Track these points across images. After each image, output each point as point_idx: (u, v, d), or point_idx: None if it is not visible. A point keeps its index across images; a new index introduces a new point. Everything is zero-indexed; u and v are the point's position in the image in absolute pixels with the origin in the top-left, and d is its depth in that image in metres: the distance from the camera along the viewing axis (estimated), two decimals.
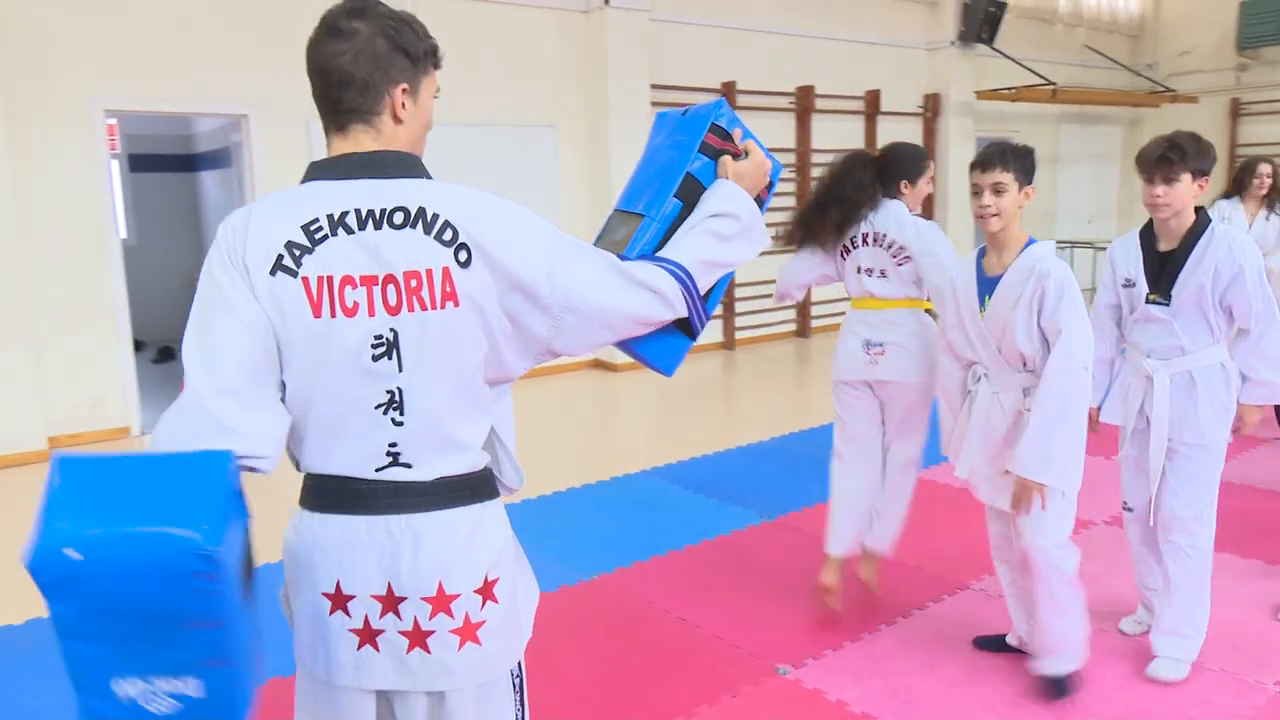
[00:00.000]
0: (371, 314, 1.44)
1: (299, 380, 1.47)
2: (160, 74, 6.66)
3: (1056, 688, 3.01)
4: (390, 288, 1.43)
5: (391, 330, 1.44)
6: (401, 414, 1.47)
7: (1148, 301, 3.13)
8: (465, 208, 1.47)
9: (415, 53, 1.52)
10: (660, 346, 1.74)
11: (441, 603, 1.50)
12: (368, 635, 1.50)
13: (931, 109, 11.39)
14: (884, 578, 3.83)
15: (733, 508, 4.97)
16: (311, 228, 1.44)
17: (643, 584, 4.03)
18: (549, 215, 6.96)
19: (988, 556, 3.30)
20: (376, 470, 1.49)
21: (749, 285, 10.00)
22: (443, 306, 1.44)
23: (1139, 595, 3.46)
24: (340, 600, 1.50)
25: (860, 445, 3.63)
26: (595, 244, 1.76)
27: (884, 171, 3.55)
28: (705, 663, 3.36)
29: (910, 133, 11.38)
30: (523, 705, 1.67)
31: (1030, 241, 2.89)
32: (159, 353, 9.20)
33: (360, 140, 1.51)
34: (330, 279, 1.43)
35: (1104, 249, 3.51)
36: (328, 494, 1.50)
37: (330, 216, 1.44)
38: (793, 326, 10.61)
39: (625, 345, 1.71)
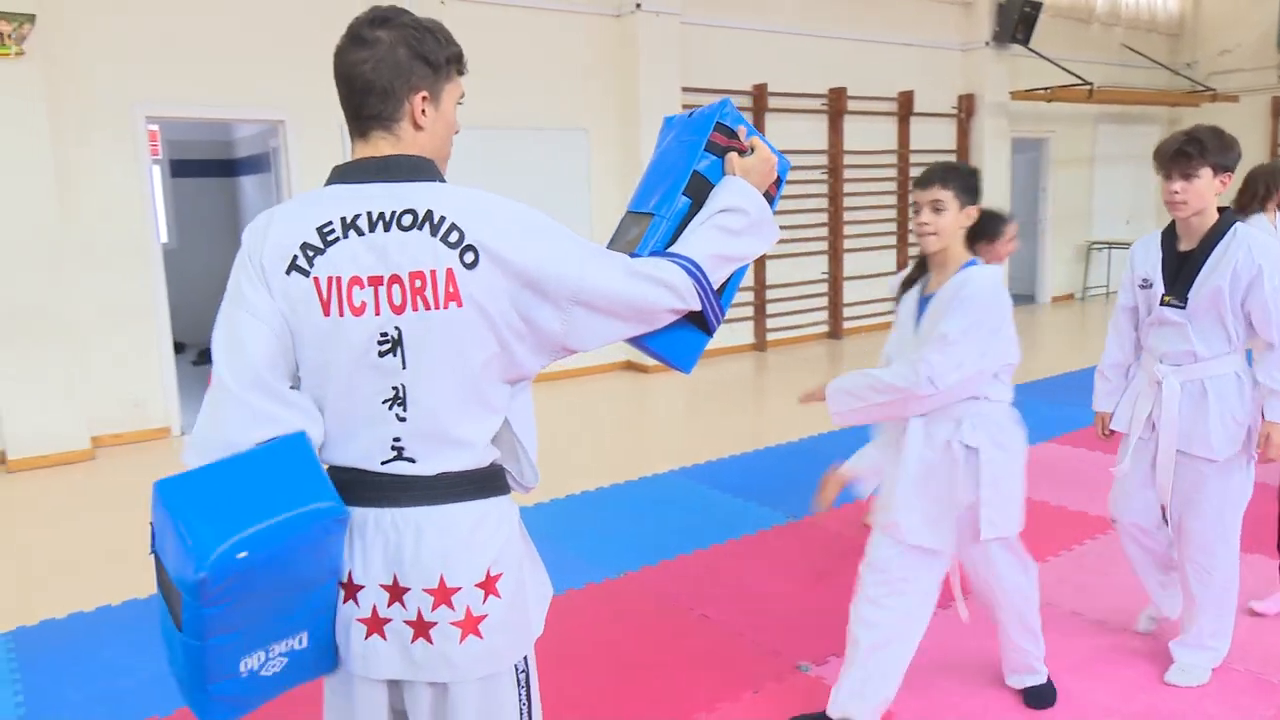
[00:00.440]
0: (378, 313, 1.49)
1: (312, 376, 1.54)
2: (200, 81, 6.81)
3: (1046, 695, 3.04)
4: (395, 287, 1.49)
5: (396, 328, 1.50)
6: (405, 410, 1.52)
7: (1163, 303, 2.98)
8: (474, 210, 1.51)
9: (436, 60, 1.56)
10: (678, 343, 1.75)
11: (443, 595, 1.54)
12: (375, 624, 1.55)
13: (965, 110, 11.33)
14: None
15: (759, 508, 5.00)
16: (325, 230, 1.50)
17: (668, 582, 4.07)
18: (580, 217, 7.02)
19: None
20: (382, 463, 1.54)
21: (780, 287, 10.02)
22: (445, 307, 1.49)
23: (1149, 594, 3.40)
24: (351, 590, 1.55)
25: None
26: (609, 246, 1.78)
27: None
28: (728, 659, 3.40)
29: (944, 134, 11.34)
30: (529, 700, 1.68)
31: (970, 263, 2.74)
32: (199, 354, 9.36)
33: (379, 145, 1.56)
34: (339, 279, 1.49)
35: None
36: (341, 485, 1.55)
37: (343, 219, 1.50)
38: (825, 328, 10.60)
39: (644, 344, 1.73)
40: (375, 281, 1.49)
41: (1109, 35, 13.11)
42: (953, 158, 11.43)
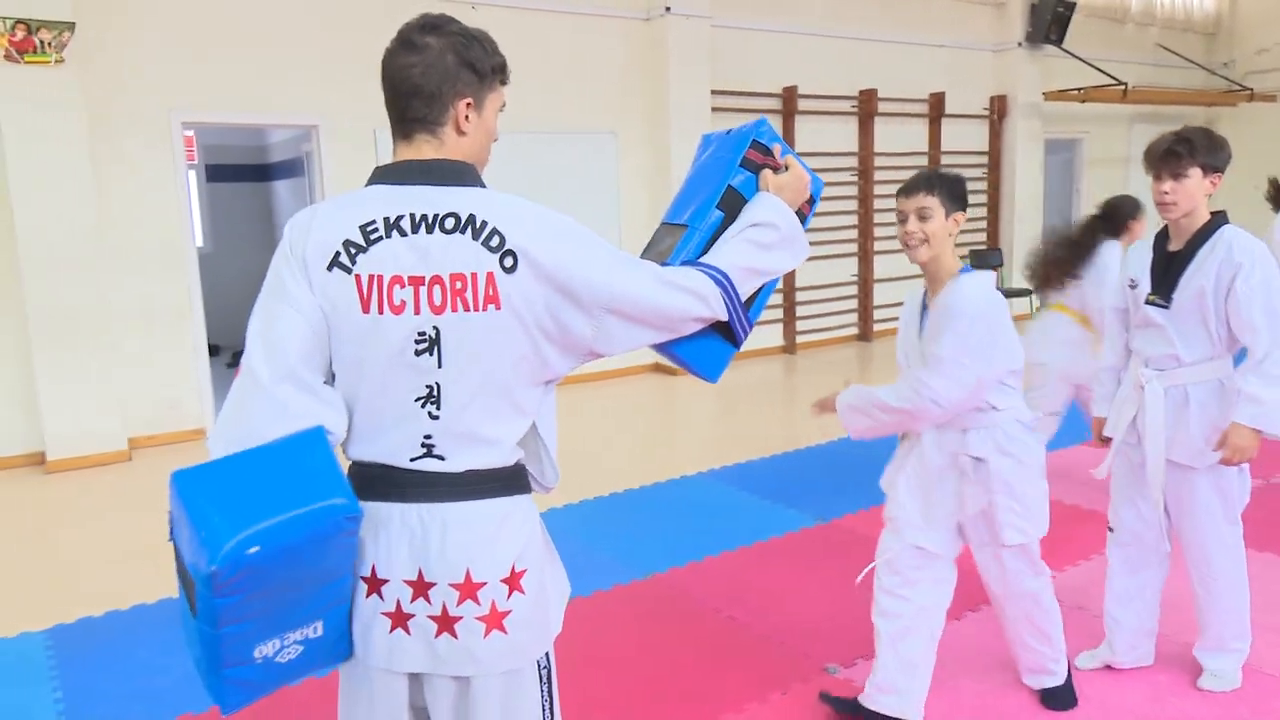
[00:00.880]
0: (417, 312, 1.52)
1: (347, 372, 1.57)
2: (235, 88, 6.90)
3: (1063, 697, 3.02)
4: (436, 288, 1.52)
5: (434, 328, 1.53)
6: (438, 408, 1.55)
7: (1147, 302, 2.94)
8: (514, 216, 1.54)
9: (482, 69, 1.60)
10: (705, 353, 1.78)
11: (469, 590, 1.56)
12: (400, 619, 1.57)
13: (998, 111, 11.25)
14: None
15: (787, 510, 4.99)
16: (368, 228, 1.54)
17: (696, 583, 4.08)
18: (610, 220, 7.06)
19: None
20: (411, 460, 1.57)
21: (809, 289, 9.99)
22: (484, 309, 1.52)
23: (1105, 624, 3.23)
24: (375, 584, 1.58)
25: None
26: (643, 255, 1.83)
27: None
28: (756, 661, 3.40)
29: (975, 136, 11.26)
30: (551, 697, 1.70)
31: (964, 270, 2.71)
32: (233, 357, 9.47)
33: (422, 149, 1.60)
34: (380, 278, 1.52)
35: None
36: (367, 480, 1.58)
37: (386, 219, 1.54)
38: (854, 331, 10.56)
39: (671, 351, 1.76)
40: (416, 281, 1.52)
41: (1144, 35, 12.97)
42: (984, 159, 11.36)
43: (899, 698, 2.85)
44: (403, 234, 1.53)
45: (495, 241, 1.52)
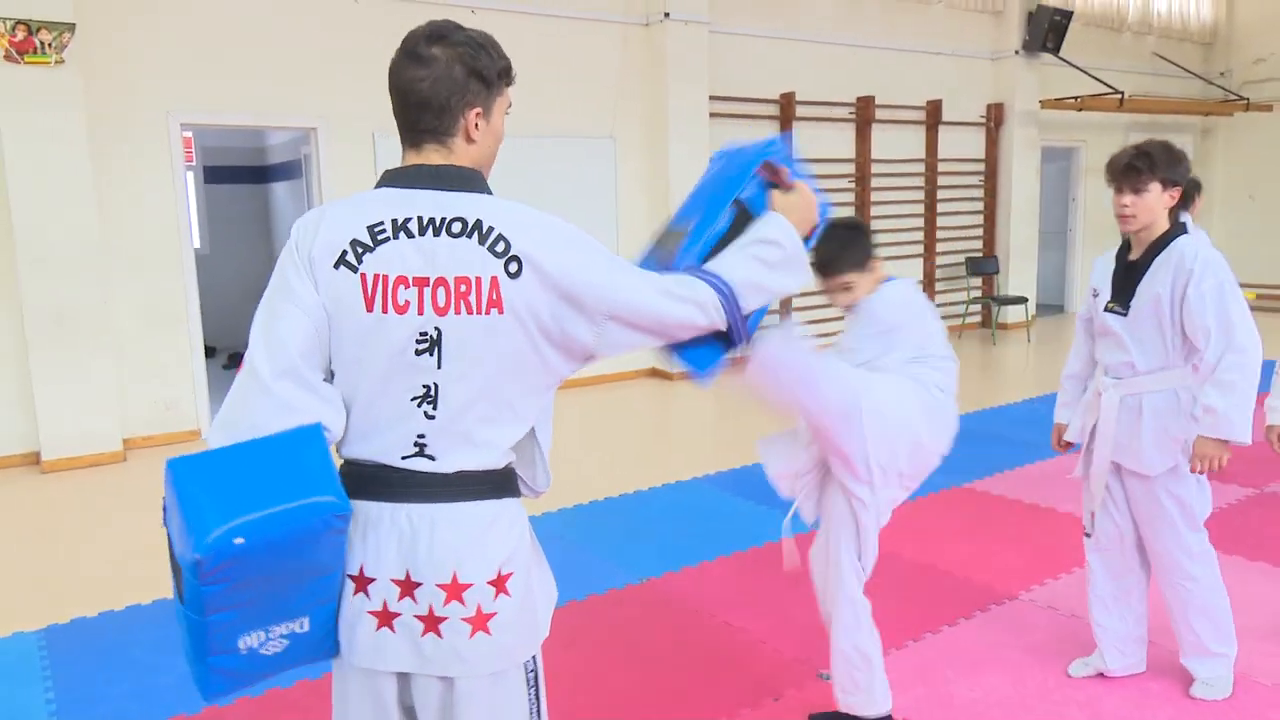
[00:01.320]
0: (420, 312, 1.54)
1: (347, 370, 1.58)
2: (234, 89, 6.91)
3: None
4: (440, 290, 1.53)
5: (436, 329, 1.54)
6: (434, 408, 1.56)
7: (1106, 309, 3.01)
8: (520, 223, 1.56)
9: (490, 76, 1.61)
10: (702, 357, 1.80)
11: (455, 591, 1.57)
12: (385, 618, 1.58)
13: (994, 119, 11.28)
14: (932, 586, 3.83)
15: (782, 516, 4.98)
16: (376, 229, 1.55)
17: (691, 589, 4.09)
18: (608, 225, 7.07)
19: (1037, 567, 3.28)
20: (402, 458, 1.58)
21: (808, 294, 9.96)
22: (487, 313, 1.54)
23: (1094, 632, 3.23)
24: (362, 583, 1.58)
25: None
26: (646, 256, 1.85)
27: None
28: (749, 666, 3.41)
29: (973, 143, 11.29)
30: (538, 700, 1.71)
31: (889, 280, 2.89)
32: (229, 358, 9.48)
33: (431, 156, 1.61)
34: (386, 277, 1.54)
35: None
36: (360, 479, 1.59)
37: (394, 220, 1.55)
38: None
39: (671, 350, 1.78)
40: (421, 283, 1.54)
41: (1141, 44, 13.02)
42: (981, 167, 11.39)
43: (850, 696, 2.90)
44: (410, 236, 1.54)
45: (501, 247, 1.53)
